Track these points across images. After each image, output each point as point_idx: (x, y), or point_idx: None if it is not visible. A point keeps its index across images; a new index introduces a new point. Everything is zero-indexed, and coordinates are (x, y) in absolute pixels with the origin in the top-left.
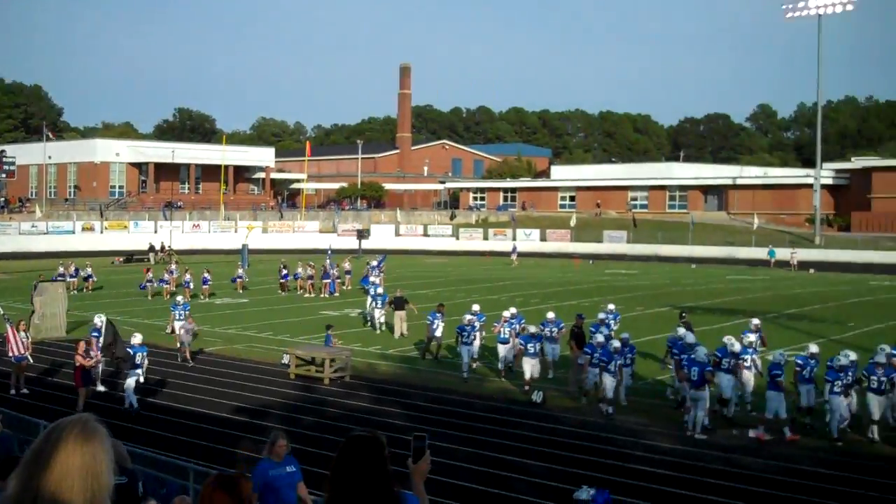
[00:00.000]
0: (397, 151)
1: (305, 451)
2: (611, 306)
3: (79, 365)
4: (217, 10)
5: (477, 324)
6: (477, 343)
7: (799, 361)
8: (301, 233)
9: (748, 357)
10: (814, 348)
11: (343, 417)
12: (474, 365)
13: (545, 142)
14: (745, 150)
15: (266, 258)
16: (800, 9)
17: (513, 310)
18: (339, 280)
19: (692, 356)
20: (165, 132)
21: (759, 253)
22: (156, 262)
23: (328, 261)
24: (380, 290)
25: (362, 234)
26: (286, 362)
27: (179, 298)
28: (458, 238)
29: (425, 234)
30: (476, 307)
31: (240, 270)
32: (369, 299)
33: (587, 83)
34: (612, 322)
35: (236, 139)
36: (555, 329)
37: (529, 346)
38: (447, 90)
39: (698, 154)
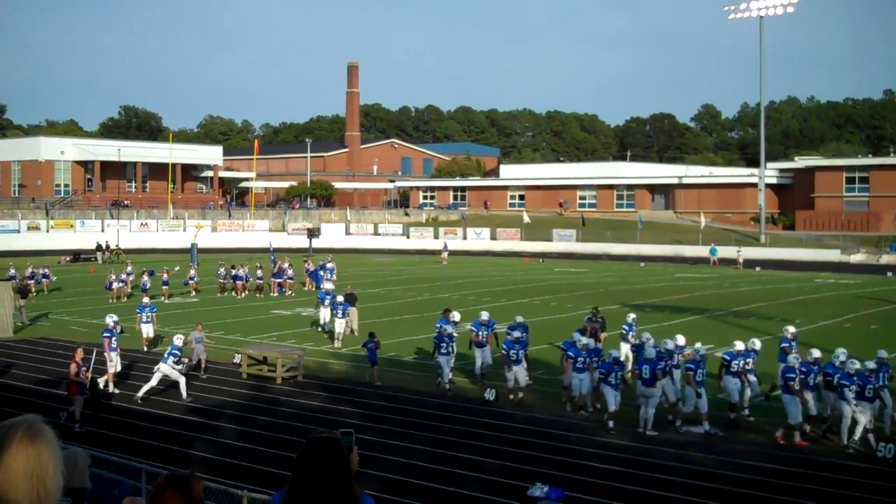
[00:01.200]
0: (346, 150)
1: (260, 451)
2: (631, 316)
3: (73, 374)
4: (163, 7)
5: (454, 332)
6: (453, 354)
7: (803, 369)
8: (251, 232)
9: (746, 362)
10: (816, 353)
11: (297, 417)
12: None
13: (494, 141)
14: (690, 150)
15: (216, 257)
16: (742, 10)
17: (485, 315)
18: (290, 279)
19: (643, 354)
20: (111, 130)
21: (706, 251)
22: (104, 262)
23: (273, 258)
24: (339, 299)
25: (312, 233)
26: (238, 362)
27: (146, 300)
28: (408, 237)
29: (375, 233)
30: (485, 315)
31: (192, 271)
32: (323, 311)
33: (534, 83)
34: (630, 335)
35: (183, 137)
36: (485, 332)
37: (512, 352)
38: (395, 89)
39: (645, 154)
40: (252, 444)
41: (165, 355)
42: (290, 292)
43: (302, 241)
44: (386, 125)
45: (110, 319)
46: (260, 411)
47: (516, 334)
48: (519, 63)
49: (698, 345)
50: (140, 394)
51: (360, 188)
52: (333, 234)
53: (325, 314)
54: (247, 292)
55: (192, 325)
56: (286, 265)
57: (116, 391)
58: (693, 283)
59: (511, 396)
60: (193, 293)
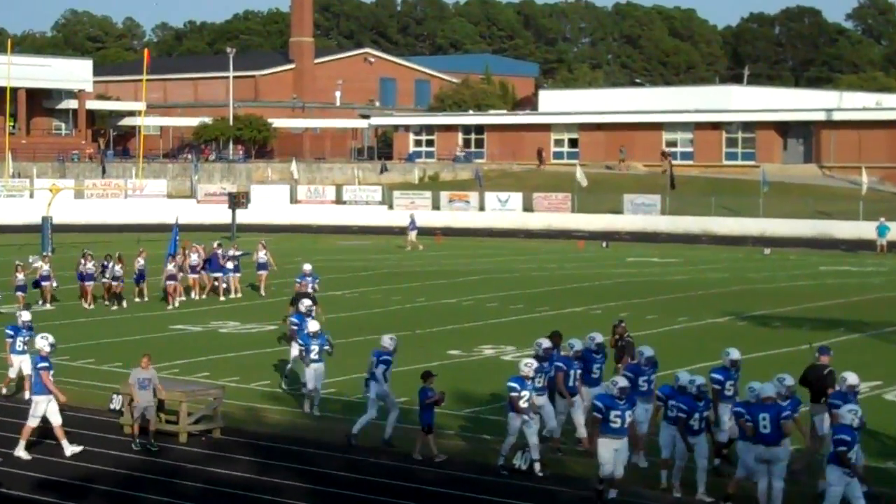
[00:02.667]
0: (292, 67)
1: None
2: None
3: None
4: None
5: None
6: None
7: None
8: (137, 198)
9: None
10: None
11: (208, 498)
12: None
13: (529, 52)
14: (846, 67)
15: (81, 240)
16: None
17: (577, 344)
18: (195, 274)
19: (754, 391)
20: None
21: (870, 230)
22: None
23: (176, 243)
24: (313, 327)
25: (238, 201)
26: (117, 407)
27: (24, 315)
28: (391, 206)
29: (339, 201)
30: (577, 343)
31: (44, 266)
32: (296, 347)
33: None
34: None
35: (31, 45)
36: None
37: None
38: None
39: (772, 73)
40: None
41: (34, 377)
42: (202, 296)
43: (220, 214)
44: (356, 26)
45: (44, 342)
46: (150, 487)
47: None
48: None
49: (852, 377)
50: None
51: (313, 128)
52: (271, 203)
53: (296, 353)
54: (145, 297)
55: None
56: (195, 255)
57: None
58: (849, 281)
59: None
60: (47, 303)
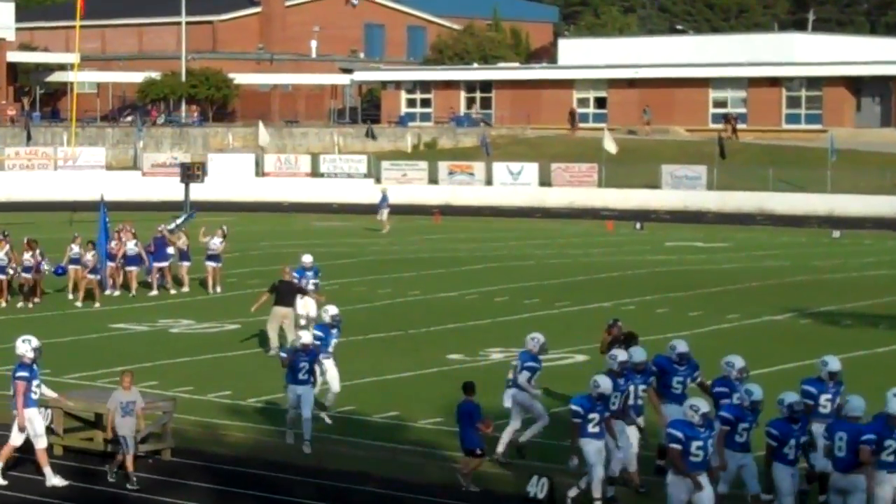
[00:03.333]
0: (258, 10)
1: None
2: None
3: None
4: None
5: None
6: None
7: None
8: (69, 169)
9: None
10: None
11: None
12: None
13: None
14: None
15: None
16: None
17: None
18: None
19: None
20: None
21: None
22: None
23: (107, 226)
24: (329, 313)
25: (191, 174)
26: (45, 423)
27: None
28: (378, 180)
29: (315, 173)
30: (639, 352)
31: None
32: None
33: None
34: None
35: None
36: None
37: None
38: None
39: (842, 18)
40: None
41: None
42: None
43: (170, 189)
44: None
45: (26, 346)
46: None
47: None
48: None
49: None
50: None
51: (284, 84)
52: (233, 176)
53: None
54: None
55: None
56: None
57: None
58: None
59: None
60: None
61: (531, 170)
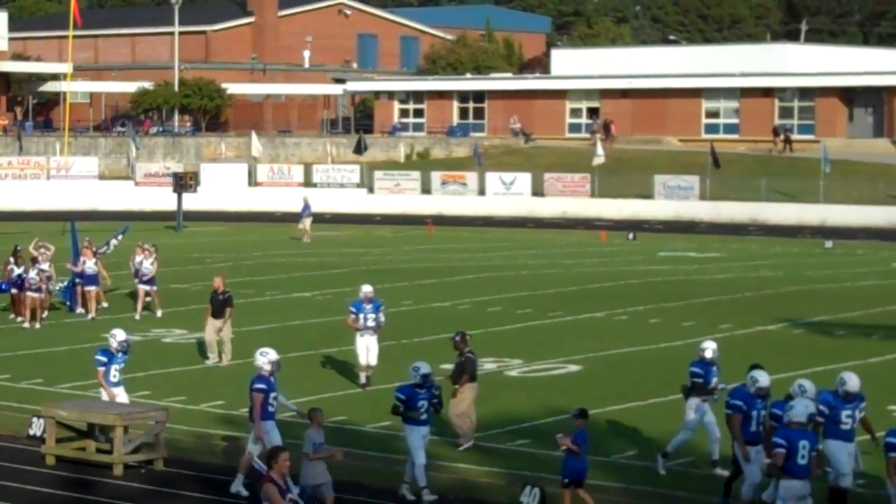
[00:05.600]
0: (251, 21)
1: None
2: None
3: None
4: None
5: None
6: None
7: None
8: (62, 179)
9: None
10: None
11: None
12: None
13: (540, 3)
14: None
15: None
16: None
17: None
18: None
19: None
20: None
21: None
22: None
23: (75, 247)
24: (373, 318)
25: (184, 184)
26: (37, 433)
27: (120, 335)
28: (371, 190)
29: (307, 183)
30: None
31: None
32: (360, 341)
33: None
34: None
35: None
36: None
37: None
38: None
39: (835, 28)
40: None
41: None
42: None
43: (163, 199)
44: None
45: (264, 359)
46: None
47: None
48: None
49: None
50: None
51: (277, 94)
52: (225, 185)
53: (361, 345)
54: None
55: None
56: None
57: None
58: None
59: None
60: None
61: (524, 180)
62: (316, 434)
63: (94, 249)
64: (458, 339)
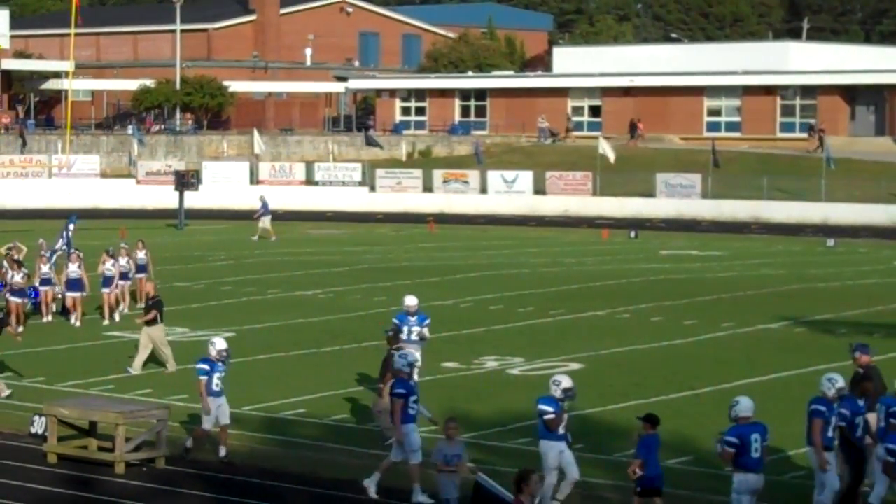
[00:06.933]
0: (252, 19)
1: None
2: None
3: None
4: None
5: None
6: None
7: None
8: (64, 177)
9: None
10: None
11: None
12: None
13: (542, 1)
14: None
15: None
16: None
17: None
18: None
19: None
20: None
21: None
22: None
23: (63, 240)
24: (417, 332)
25: (186, 181)
26: (39, 431)
27: (220, 343)
28: (373, 188)
29: (309, 181)
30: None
31: None
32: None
33: None
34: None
35: None
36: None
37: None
38: None
39: (837, 26)
40: None
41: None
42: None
43: (165, 197)
44: None
45: (402, 361)
46: None
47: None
48: None
49: None
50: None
51: (279, 93)
52: (227, 183)
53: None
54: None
55: None
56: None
57: None
58: None
59: None
60: None
61: (526, 178)
62: (447, 446)
63: (48, 254)
64: (389, 334)
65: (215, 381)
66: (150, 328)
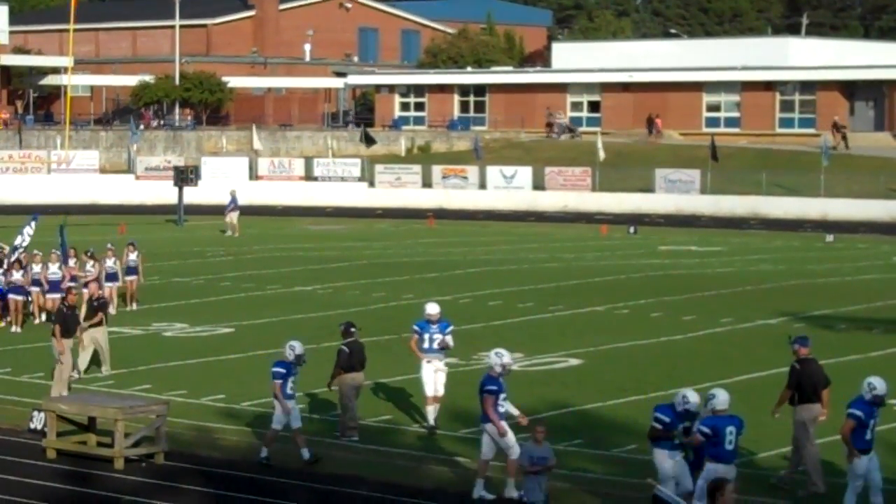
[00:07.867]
0: (251, 14)
1: None
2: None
3: None
4: None
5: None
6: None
7: None
8: (63, 173)
9: None
10: None
11: None
12: None
13: None
14: None
15: None
16: None
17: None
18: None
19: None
20: None
21: None
22: None
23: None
24: (439, 340)
25: (185, 177)
26: (38, 426)
27: (298, 347)
28: (373, 184)
29: (308, 177)
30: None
31: None
32: (426, 367)
33: None
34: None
35: None
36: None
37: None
38: None
39: (836, 21)
40: None
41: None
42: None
43: (164, 192)
44: None
45: (498, 359)
46: None
47: None
48: None
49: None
50: None
51: (278, 88)
52: (226, 179)
53: (428, 372)
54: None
55: None
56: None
57: None
58: None
59: None
60: None
61: (525, 173)
62: (534, 448)
63: (6, 255)
64: (342, 329)
65: (290, 384)
66: (95, 330)
